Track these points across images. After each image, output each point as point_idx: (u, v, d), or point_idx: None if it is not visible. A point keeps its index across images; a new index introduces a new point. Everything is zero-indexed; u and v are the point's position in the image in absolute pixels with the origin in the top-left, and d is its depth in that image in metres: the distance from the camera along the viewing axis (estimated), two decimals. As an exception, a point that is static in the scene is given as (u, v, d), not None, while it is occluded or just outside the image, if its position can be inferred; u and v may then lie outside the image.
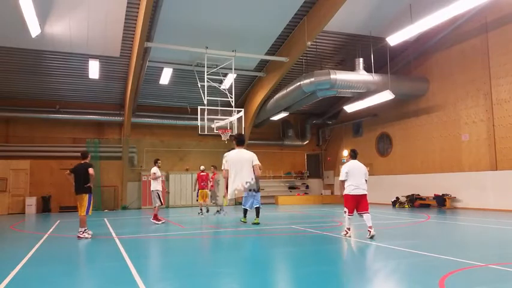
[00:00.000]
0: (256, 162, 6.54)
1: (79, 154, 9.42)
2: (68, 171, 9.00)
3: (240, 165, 6.38)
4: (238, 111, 13.93)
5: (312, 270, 5.47)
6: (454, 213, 13.73)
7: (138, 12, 13.42)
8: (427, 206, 16.92)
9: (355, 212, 8.24)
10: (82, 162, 9.09)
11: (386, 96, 15.63)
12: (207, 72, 14.29)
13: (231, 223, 12.18)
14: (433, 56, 17.07)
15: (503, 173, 14.16)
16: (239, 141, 6.64)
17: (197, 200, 14.97)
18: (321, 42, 16.40)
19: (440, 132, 16.78)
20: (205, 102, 13.63)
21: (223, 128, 13.69)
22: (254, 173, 6.49)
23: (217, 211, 14.56)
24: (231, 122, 13.84)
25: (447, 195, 16.06)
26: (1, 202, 17.57)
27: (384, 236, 8.64)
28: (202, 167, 14.83)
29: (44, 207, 17.99)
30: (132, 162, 20.13)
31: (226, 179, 6.44)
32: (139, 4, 13.06)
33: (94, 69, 16.38)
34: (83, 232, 8.78)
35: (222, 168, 6.42)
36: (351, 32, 16.07)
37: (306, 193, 23.66)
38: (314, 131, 24.44)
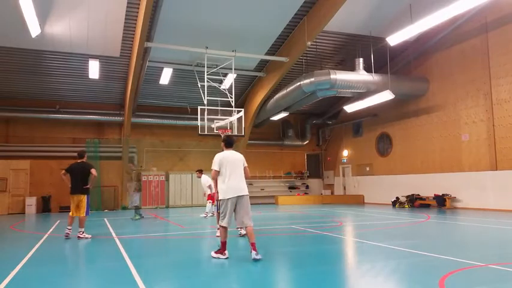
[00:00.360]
0: (246, 164, 6.57)
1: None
2: (63, 171, 8.85)
3: (235, 165, 6.38)
4: (238, 111, 13.92)
5: (312, 270, 5.47)
6: (454, 213, 13.73)
7: (138, 12, 13.42)
8: (427, 206, 16.92)
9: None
10: (78, 161, 9.00)
11: (386, 96, 15.63)
12: (207, 72, 14.29)
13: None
14: (433, 56, 17.07)
15: (503, 173, 14.16)
16: (228, 143, 6.61)
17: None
18: (321, 42, 16.40)
19: (440, 132, 16.78)
20: (205, 102, 13.63)
21: (223, 128, 13.69)
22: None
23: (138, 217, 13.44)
24: (231, 122, 13.84)
25: (447, 195, 16.06)
26: (1, 202, 17.57)
27: (384, 236, 8.65)
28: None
29: (44, 207, 17.98)
30: (132, 162, 20.11)
31: (216, 180, 6.40)
32: (139, 4, 13.06)
33: (94, 69, 16.38)
34: (83, 232, 8.77)
35: (213, 168, 6.36)
36: (351, 32, 16.06)
37: (306, 193, 23.65)
38: (314, 131, 24.44)
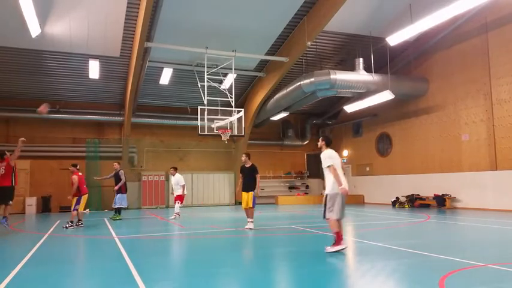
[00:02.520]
0: None
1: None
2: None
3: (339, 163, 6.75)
4: (238, 111, 13.93)
5: (312, 270, 5.47)
6: (454, 213, 13.73)
7: (138, 12, 13.42)
8: (427, 206, 16.92)
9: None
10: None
11: (386, 96, 15.63)
12: (207, 72, 14.29)
13: (230, 223, 12.21)
14: (433, 56, 17.07)
15: (503, 173, 14.15)
16: (330, 141, 6.98)
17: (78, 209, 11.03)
18: (321, 42, 16.40)
19: (440, 132, 16.78)
20: (205, 102, 13.63)
21: (223, 128, 13.70)
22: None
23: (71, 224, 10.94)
24: (231, 122, 13.85)
25: (447, 195, 16.06)
26: (1, 202, 17.54)
27: (384, 236, 8.66)
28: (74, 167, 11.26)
29: (44, 207, 17.96)
30: (132, 162, 20.12)
31: (334, 173, 6.62)
32: (139, 4, 13.06)
33: (94, 69, 16.37)
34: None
35: (329, 165, 6.54)
36: (351, 32, 16.06)
37: (306, 193, 23.65)
38: (314, 131, 24.41)
